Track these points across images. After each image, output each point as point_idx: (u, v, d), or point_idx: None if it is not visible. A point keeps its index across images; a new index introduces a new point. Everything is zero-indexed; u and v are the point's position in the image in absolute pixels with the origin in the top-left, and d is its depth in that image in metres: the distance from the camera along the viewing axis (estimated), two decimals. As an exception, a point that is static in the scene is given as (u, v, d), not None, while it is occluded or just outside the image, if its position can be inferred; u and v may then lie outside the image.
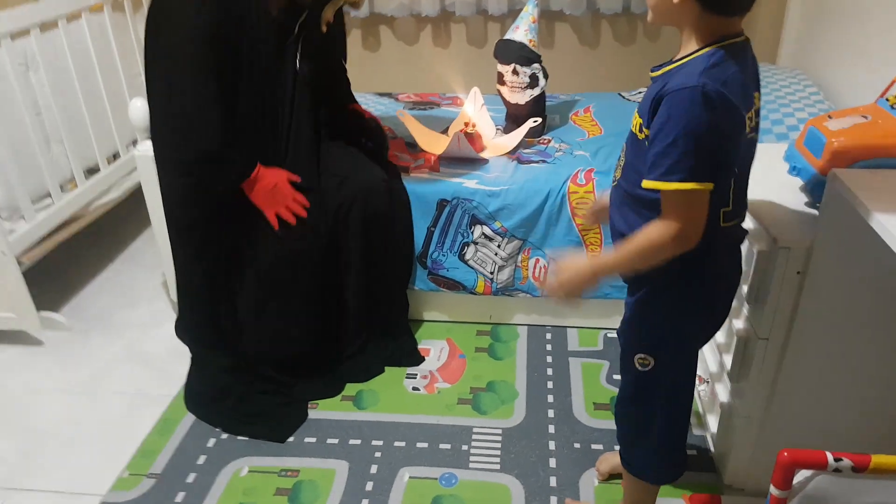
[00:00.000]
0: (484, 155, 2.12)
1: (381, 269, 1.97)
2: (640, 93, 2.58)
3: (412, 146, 2.21)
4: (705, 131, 0.95)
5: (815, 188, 1.27)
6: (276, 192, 1.71)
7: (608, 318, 2.12)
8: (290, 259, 1.76)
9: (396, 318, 2.08)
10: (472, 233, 2.02)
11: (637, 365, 1.20)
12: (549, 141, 2.21)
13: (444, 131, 2.32)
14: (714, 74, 0.95)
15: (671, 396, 1.24)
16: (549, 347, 2.05)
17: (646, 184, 1.01)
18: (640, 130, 1.06)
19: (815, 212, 1.30)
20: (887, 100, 1.25)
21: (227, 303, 1.79)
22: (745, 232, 1.16)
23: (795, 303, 1.25)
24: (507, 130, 2.28)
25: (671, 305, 1.14)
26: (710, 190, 0.98)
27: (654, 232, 1.03)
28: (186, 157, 1.61)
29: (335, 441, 1.71)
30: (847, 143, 1.18)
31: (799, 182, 1.38)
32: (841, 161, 1.19)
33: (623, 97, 2.59)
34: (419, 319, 2.19)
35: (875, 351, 1.27)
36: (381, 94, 2.75)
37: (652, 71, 1.09)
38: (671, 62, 1.04)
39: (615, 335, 2.08)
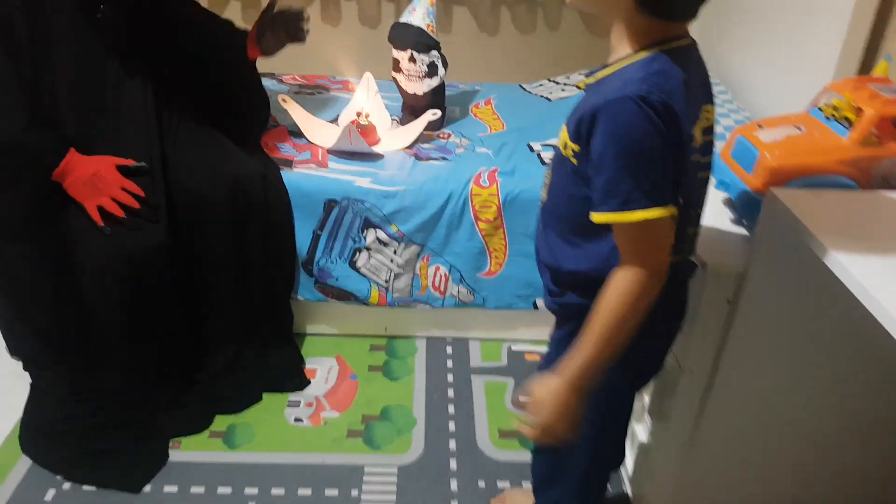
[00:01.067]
0: (378, 149, 1.89)
1: (258, 274, 1.72)
2: (540, 85, 2.44)
3: (296, 135, 1.95)
4: (656, 147, 0.79)
5: (747, 206, 1.16)
6: (95, 180, 1.43)
7: (512, 329, 1.97)
8: (130, 258, 1.46)
9: (277, 328, 1.83)
10: (365, 237, 1.79)
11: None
12: (449, 135, 2.02)
13: (334, 121, 2.08)
14: (656, 82, 0.80)
15: (596, 437, 1.09)
16: (449, 364, 1.88)
17: (598, 217, 0.84)
18: (565, 147, 0.90)
19: (744, 232, 1.18)
20: (821, 109, 1.14)
21: (62, 314, 1.48)
22: (694, 267, 1.03)
23: (724, 334, 1.13)
24: (403, 122, 2.06)
25: None
26: (675, 214, 0.83)
27: (623, 282, 0.85)
28: None
29: (201, 489, 1.45)
30: (784, 161, 1.07)
31: (723, 195, 1.27)
32: (777, 179, 1.07)
33: (524, 89, 2.43)
34: (304, 333, 1.95)
35: (810, 392, 1.17)
36: (262, 75, 2.44)
37: (586, 76, 0.92)
38: (603, 67, 0.88)
39: (520, 349, 1.94)
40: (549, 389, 0.92)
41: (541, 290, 1.80)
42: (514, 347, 1.96)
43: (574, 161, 0.88)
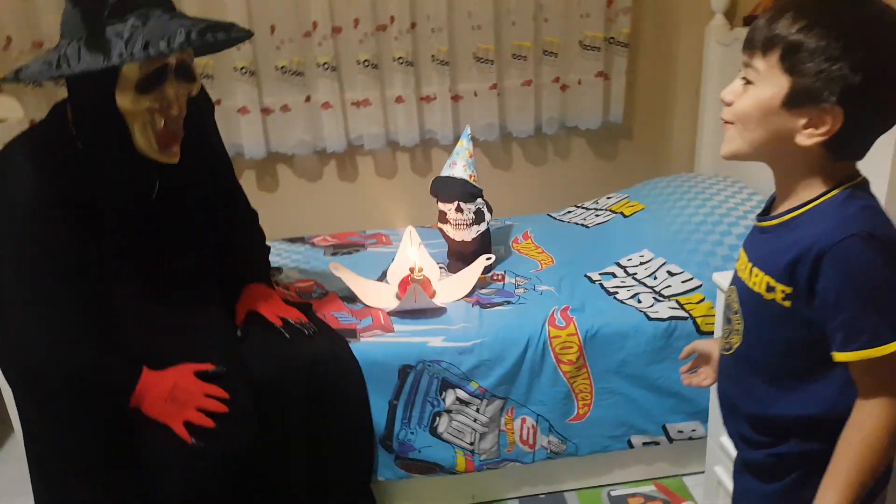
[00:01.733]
0: (438, 302, 1.84)
1: (335, 461, 1.59)
2: (569, 212, 2.45)
3: (350, 301, 1.89)
4: (892, 278, 0.81)
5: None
6: (176, 393, 1.32)
7: (608, 473, 1.85)
8: (219, 469, 1.34)
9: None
10: (444, 400, 1.70)
11: None
12: (504, 277, 1.99)
13: (381, 279, 2.03)
14: (870, 217, 0.83)
15: None
16: (551, 523, 1.73)
17: (844, 357, 0.83)
18: (769, 290, 0.89)
19: None
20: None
21: None
22: None
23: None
24: (452, 270, 2.03)
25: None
26: None
27: (878, 417, 0.83)
28: (47, 384, 1.27)
29: None
30: None
31: None
32: None
33: (553, 217, 2.45)
34: (387, 516, 1.80)
35: None
36: (292, 241, 2.42)
37: (762, 220, 0.94)
38: (791, 211, 0.89)
39: (620, 493, 1.81)
40: None
41: (636, 429, 1.73)
42: (614, 493, 1.83)
43: (786, 304, 0.88)
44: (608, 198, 2.38)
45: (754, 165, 2.21)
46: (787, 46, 0.83)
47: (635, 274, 1.90)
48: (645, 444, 1.77)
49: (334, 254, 2.25)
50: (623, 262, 1.96)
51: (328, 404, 1.57)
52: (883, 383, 0.83)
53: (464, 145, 1.99)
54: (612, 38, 2.53)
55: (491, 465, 1.74)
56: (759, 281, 0.92)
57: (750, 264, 0.95)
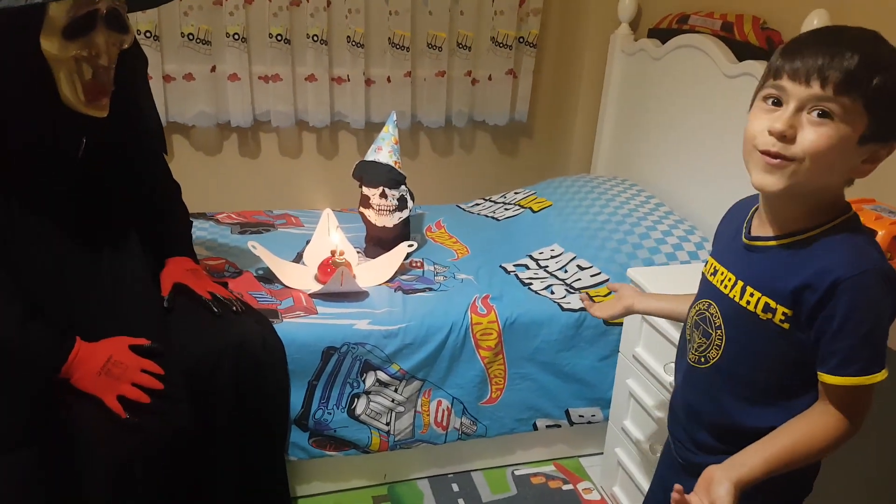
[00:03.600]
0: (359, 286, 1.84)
1: (254, 443, 1.56)
2: (477, 204, 2.53)
3: (266, 281, 1.84)
4: (891, 316, 0.88)
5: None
6: (111, 367, 1.25)
7: (511, 453, 1.95)
8: (160, 446, 1.29)
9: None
10: (364, 381, 1.71)
11: None
12: (422, 264, 2.02)
13: (297, 260, 2.00)
14: (877, 251, 0.89)
15: None
16: (461, 503, 1.80)
17: (833, 380, 0.88)
18: (766, 310, 0.93)
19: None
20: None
21: None
22: None
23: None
24: (370, 255, 2.03)
25: (785, 499, 1.03)
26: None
27: (831, 426, 0.89)
28: None
29: None
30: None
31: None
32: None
33: (462, 209, 2.51)
34: (298, 497, 1.78)
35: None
36: (194, 216, 2.28)
37: (753, 239, 0.97)
38: (792, 235, 0.92)
39: (524, 473, 1.92)
40: (725, 490, 0.87)
41: (542, 412, 1.84)
42: (518, 472, 1.93)
43: (784, 325, 0.91)
44: (515, 192, 2.48)
45: (651, 172, 2.38)
46: (875, 87, 0.82)
47: (547, 266, 2.01)
48: (548, 426, 1.89)
49: (242, 232, 2.17)
50: (535, 254, 2.07)
51: (252, 384, 1.53)
52: (850, 406, 0.89)
53: (389, 131, 2.00)
54: (523, 37, 2.64)
55: (404, 444, 1.78)
56: (754, 301, 0.93)
57: (741, 283, 0.96)
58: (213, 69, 2.41)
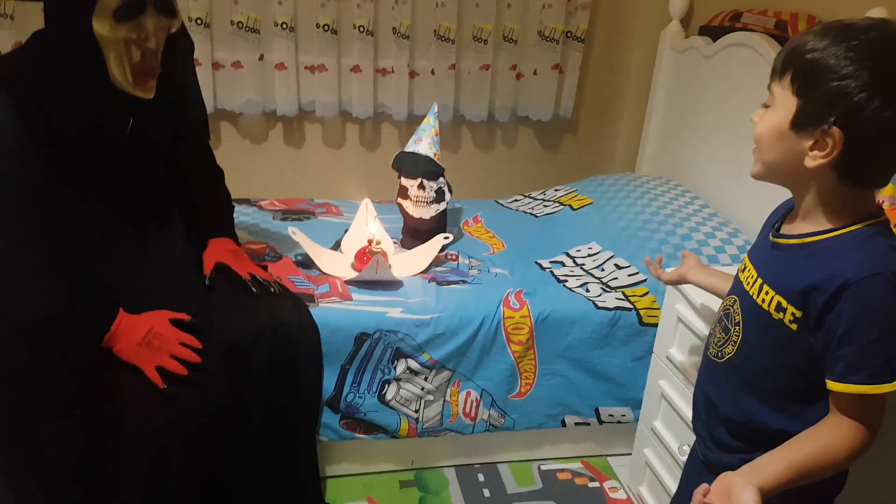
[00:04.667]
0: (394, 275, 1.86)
1: (286, 422, 1.60)
2: (516, 200, 2.52)
3: (305, 266, 1.88)
4: None
5: None
6: (151, 339, 1.30)
7: (539, 448, 1.95)
8: (197, 419, 1.34)
9: (306, 482, 1.68)
10: (395, 368, 1.73)
11: None
12: (457, 257, 2.03)
13: (335, 248, 2.03)
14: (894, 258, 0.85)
15: None
16: (486, 493, 1.81)
17: (839, 387, 0.86)
18: (778, 310, 0.91)
19: None
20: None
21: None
22: None
23: None
24: (406, 245, 2.05)
25: (818, 497, 1.00)
26: None
27: (850, 436, 0.87)
28: (17, 324, 1.22)
29: None
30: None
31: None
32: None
33: (501, 204, 2.51)
34: (327, 476, 1.81)
35: None
36: (238, 201, 2.35)
37: (779, 237, 0.96)
38: (810, 235, 0.91)
39: (550, 468, 1.91)
40: (750, 497, 0.84)
41: (571, 409, 1.83)
42: (544, 467, 1.92)
43: (793, 326, 0.89)
44: (556, 189, 2.47)
45: (697, 173, 2.34)
46: (798, 68, 0.84)
47: (583, 265, 1.99)
48: (577, 424, 1.88)
49: (284, 218, 2.21)
50: (572, 252, 2.05)
51: (287, 365, 1.57)
52: (863, 414, 0.86)
53: (430, 122, 2.01)
54: (570, 32, 2.61)
55: (432, 432, 1.79)
56: (768, 299, 0.92)
57: (760, 280, 0.95)
58: (261, 58, 2.46)
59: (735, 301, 1.02)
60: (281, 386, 1.57)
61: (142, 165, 1.41)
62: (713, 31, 2.26)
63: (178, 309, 1.39)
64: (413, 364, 1.73)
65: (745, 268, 1.02)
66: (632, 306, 1.82)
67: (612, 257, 1.99)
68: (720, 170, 2.19)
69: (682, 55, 2.40)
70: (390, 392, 1.74)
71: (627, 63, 2.74)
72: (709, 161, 2.26)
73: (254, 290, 1.54)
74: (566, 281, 1.91)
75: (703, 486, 0.89)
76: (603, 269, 1.96)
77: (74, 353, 1.26)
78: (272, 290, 1.57)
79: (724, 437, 1.04)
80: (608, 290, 1.87)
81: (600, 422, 1.88)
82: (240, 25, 2.40)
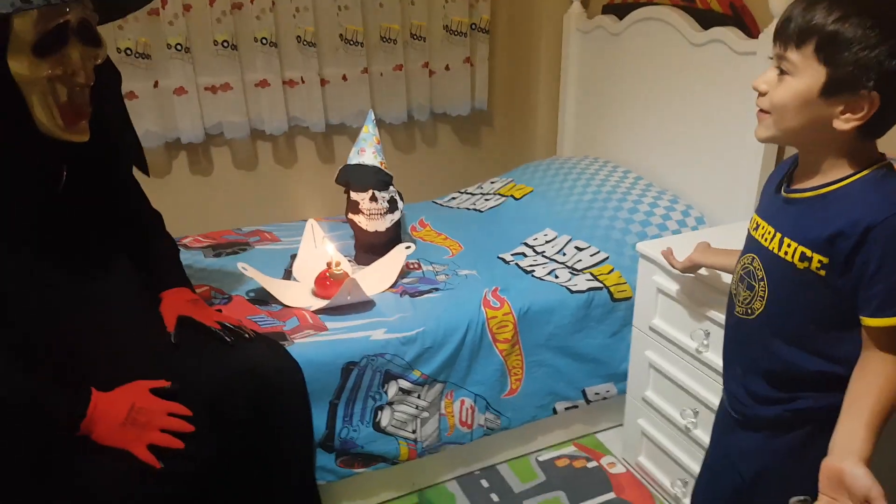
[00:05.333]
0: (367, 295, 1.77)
1: (279, 470, 1.48)
2: (453, 198, 2.49)
3: (261, 303, 1.74)
4: None
5: None
6: (136, 417, 1.16)
7: (532, 440, 1.94)
8: (185, 491, 1.21)
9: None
10: (386, 392, 1.65)
11: None
12: (419, 265, 1.97)
13: (286, 276, 1.90)
14: None
15: None
16: (494, 497, 1.77)
17: (877, 322, 0.90)
18: (802, 259, 0.95)
19: None
20: None
21: None
22: None
23: None
24: (362, 262, 1.96)
25: None
26: None
27: (890, 375, 0.90)
28: None
29: None
30: None
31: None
32: None
33: (439, 204, 2.47)
34: (328, 521, 1.70)
35: None
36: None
37: (791, 192, 1.00)
38: (825, 186, 0.95)
39: (547, 458, 1.91)
40: (862, 470, 0.85)
41: (560, 395, 1.83)
42: (541, 458, 1.92)
43: (821, 273, 0.94)
44: (492, 182, 2.46)
45: (620, 148, 2.41)
46: (823, 38, 0.87)
47: (544, 252, 2.00)
48: (567, 408, 1.88)
49: (217, 254, 2.04)
50: (530, 241, 2.05)
51: (271, 411, 1.44)
52: None
53: (370, 131, 1.93)
54: (475, 24, 2.60)
55: (432, 450, 1.73)
56: (791, 251, 0.96)
57: (779, 235, 0.99)
58: (156, 84, 2.26)
59: (753, 259, 1.06)
60: (267, 434, 1.45)
61: (82, 220, 1.24)
62: (617, 9, 2.34)
63: (147, 372, 1.24)
64: (404, 384, 1.66)
65: (758, 226, 1.06)
66: (602, 285, 1.84)
67: (570, 241, 2.00)
68: (643, 142, 2.27)
69: (588, 35, 2.46)
70: (385, 418, 1.66)
71: (536, 49, 2.76)
72: (629, 135, 2.33)
73: (227, 339, 1.40)
74: (533, 271, 1.91)
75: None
76: (564, 254, 1.97)
77: (45, 447, 1.08)
78: (246, 335, 1.44)
79: (764, 390, 1.06)
80: (576, 272, 1.89)
81: (588, 402, 1.90)
82: (128, 52, 2.19)
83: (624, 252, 1.92)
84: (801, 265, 0.96)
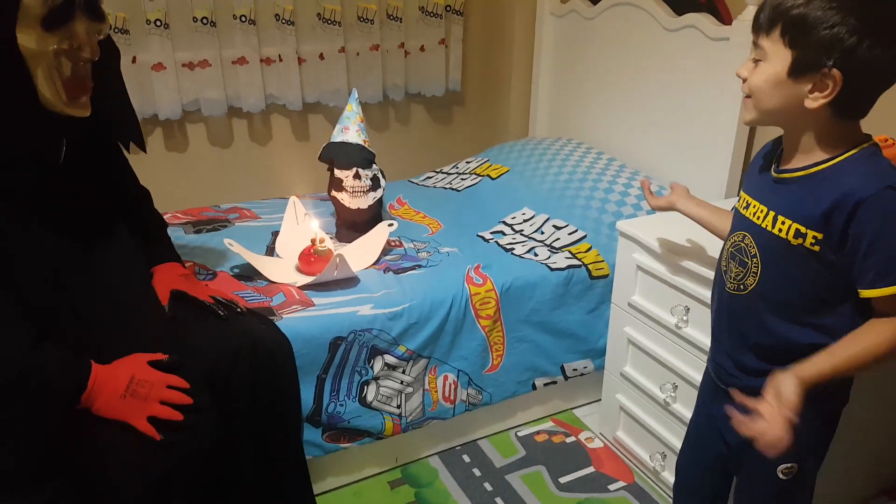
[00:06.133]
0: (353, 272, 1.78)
1: (274, 441, 1.50)
2: (429, 177, 2.51)
3: (246, 279, 1.75)
4: None
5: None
6: (136, 389, 1.16)
7: (512, 416, 1.98)
8: (187, 465, 1.21)
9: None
10: (372, 368, 1.67)
11: (780, 475, 1.11)
12: (400, 242, 1.99)
13: (269, 252, 1.90)
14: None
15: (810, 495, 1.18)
16: (476, 472, 1.82)
17: (875, 293, 0.95)
18: (797, 236, 1.00)
19: None
20: None
21: None
22: None
23: None
24: (343, 239, 1.97)
25: (830, 406, 1.10)
26: None
27: (884, 336, 0.97)
28: None
29: None
30: None
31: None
32: None
33: (415, 183, 2.49)
34: (316, 494, 1.71)
35: None
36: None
37: (780, 172, 1.05)
38: (815, 165, 1.00)
39: (527, 433, 1.96)
40: (792, 383, 0.96)
41: (539, 371, 1.89)
42: (520, 433, 1.97)
43: (815, 248, 0.99)
44: (467, 162, 2.49)
45: (593, 130, 2.46)
46: (787, 21, 0.93)
47: (522, 230, 2.04)
48: (546, 384, 1.93)
49: (198, 231, 2.03)
50: (508, 220, 2.09)
51: (269, 382, 1.45)
52: None
53: (353, 109, 1.93)
54: (450, 5, 2.62)
55: (416, 425, 1.76)
56: (785, 228, 1.01)
57: (772, 213, 1.04)
58: (134, 60, 2.22)
59: (745, 236, 1.10)
60: (265, 406, 1.46)
61: (80, 189, 1.23)
62: (592, -7, 2.37)
63: (148, 345, 1.24)
64: (390, 359, 1.68)
65: (749, 205, 1.11)
66: (581, 263, 1.90)
67: (548, 220, 2.05)
68: (617, 124, 2.33)
69: (562, 20, 2.49)
70: (370, 393, 1.68)
71: (509, 31, 2.79)
72: (602, 117, 2.38)
73: (221, 313, 1.41)
74: (513, 249, 1.94)
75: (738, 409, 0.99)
76: (543, 233, 2.01)
77: (46, 414, 1.08)
78: (238, 309, 1.45)
79: (752, 362, 1.12)
80: (555, 251, 1.93)
81: (566, 378, 1.96)
82: (102, 25, 2.13)
83: (601, 231, 1.98)
84: (794, 241, 1.00)
